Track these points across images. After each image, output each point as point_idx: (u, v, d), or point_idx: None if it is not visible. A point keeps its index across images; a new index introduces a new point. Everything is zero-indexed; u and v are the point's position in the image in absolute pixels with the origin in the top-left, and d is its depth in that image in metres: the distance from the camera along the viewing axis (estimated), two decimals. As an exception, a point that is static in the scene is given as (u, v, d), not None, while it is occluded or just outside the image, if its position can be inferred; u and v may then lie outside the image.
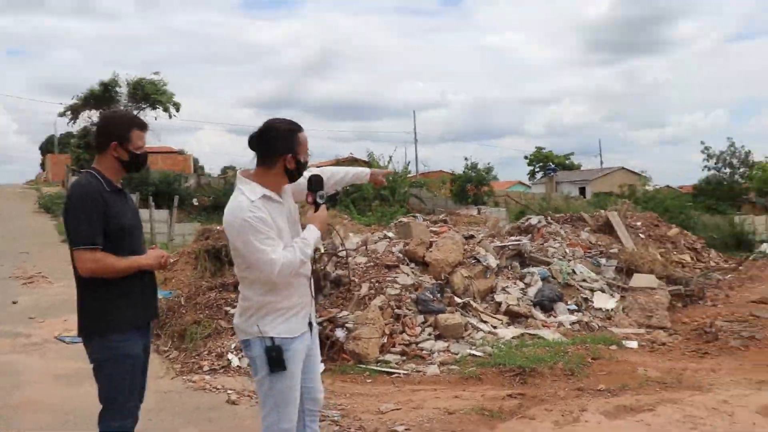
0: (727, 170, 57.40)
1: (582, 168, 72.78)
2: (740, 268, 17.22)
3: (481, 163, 44.92)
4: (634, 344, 10.96)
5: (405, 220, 15.25)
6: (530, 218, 16.52)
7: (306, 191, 4.19)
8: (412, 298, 11.58)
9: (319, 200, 4.13)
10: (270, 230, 3.75)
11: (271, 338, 3.94)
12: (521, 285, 12.95)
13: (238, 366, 9.67)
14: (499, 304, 12.20)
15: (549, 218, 16.52)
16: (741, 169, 57.70)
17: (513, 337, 11.10)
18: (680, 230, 19.16)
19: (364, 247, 13.26)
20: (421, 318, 11.24)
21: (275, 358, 3.92)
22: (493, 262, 12.88)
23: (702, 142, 60.22)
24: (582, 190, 58.78)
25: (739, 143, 60.77)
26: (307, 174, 4.23)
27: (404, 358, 10.29)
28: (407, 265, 12.65)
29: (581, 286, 13.12)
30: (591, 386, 8.66)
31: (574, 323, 12.13)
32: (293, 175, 4.02)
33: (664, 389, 8.42)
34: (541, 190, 58.78)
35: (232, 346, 10.25)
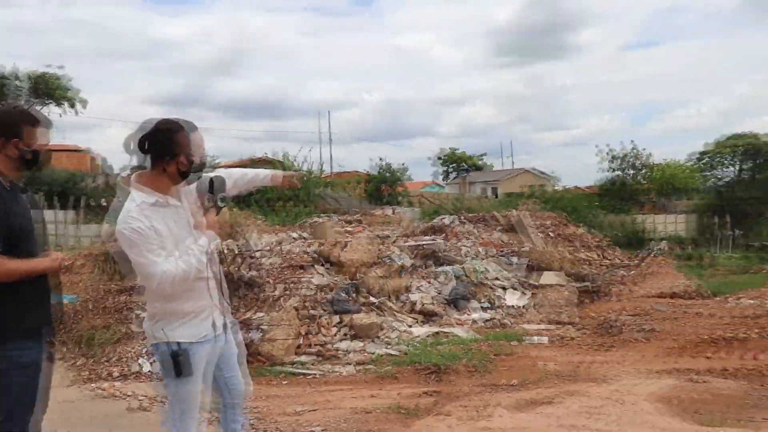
0: (630, 172, 59.97)
1: (494, 169, 74.60)
2: (641, 264, 17.99)
3: (396, 164, 45.31)
4: (544, 340, 11.32)
5: (319, 220, 15.23)
6: (443, 218, 16.82)
7: (206, 193, 4.06)
8: (326, 299, 11.58)
9: (219, 203, 4.02)
10: (160, 239, 3.63)
11: (177, 342, 3.86)
12: (435, 284, 13.16)
13: (149, 371, 9.41)
14: (414, 303, 12.36)
15: (462, 218, 16.86)
16: (642, 171, 60.40)
17: (428, 336, 11.27)
18: (586, 229, 19.83)
19: (278, 248, 13.15)
20: (336, 318, 11.25)
21: (180, 363, 3.84)
22: (407, 261, 13.04)
23: (607, 144, 62.77)
24: (494, 191, 60.06)
25: (639, 146, 63.80)
26: (211, 175, 4.16)
27: (320, 358, 10.28)
28: (322, 265, 12.64)
29: (493, 284, 13.45)
30: (504, 382, 8.90)
31: (486, 321, 12.43)
32: (188, 177, 3.89)
33: (563, 381, 8.76)
34: (455, 190, 59.65)
35: (144, 351, 9.97)
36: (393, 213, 32.92)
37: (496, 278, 13.69)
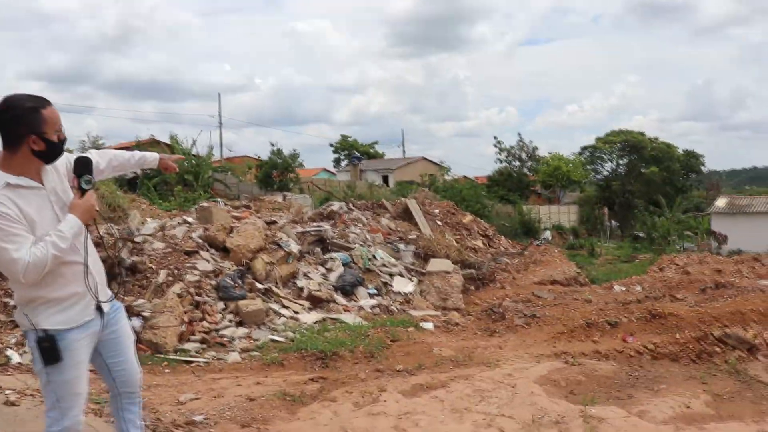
0: (517, 163, 62.31)
1: (385, 157, 75.32)
2: (525, 252, 18.74)
3: (288, 150, 44.94)
4: (430, 326, 11.57)
5: (206, 204, 14.88)
6: (332, 205, 16.83)
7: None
8: (212, 285, 11.37)
9: (84, 185, 3.77)
10: (14, 225, 3.41)
11: (44, 330, 3.69)
12: (323, 270, 13.18)
13: (18, 363, 8.92)
14: (301, 289, 12.33)
15: (351, 205, 16.94)
16: (529, 163, 62.86)
17: (315, 322, 11.28)
18: (474, 218, 20.42)
19: (161, 233, 12.77)
20: (221, 305, 11.07)
21: (48, 349, 3.68)
22: (294, 247, 12.97)
23: (495, 137, 64.71)
24: (385, 179, 60.62)
25: (527, 139, 66.26)
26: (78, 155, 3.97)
27: (204, 346, 10.09)
28: (207, 251, 12.38)
29: (381, 271, 13.60)
30: (390, 367, 9.03)
31: (374, 307, 12.56)
32: (47, 157, 3.63)
33: (457, 366, 8.99)
34: (347, 177, 59.79)
35: (12, 341, 9.45)
36: (284, 199, 32.68)
37: (384, 265, 13.85)
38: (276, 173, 43.73)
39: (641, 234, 47.77)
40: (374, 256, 14.05)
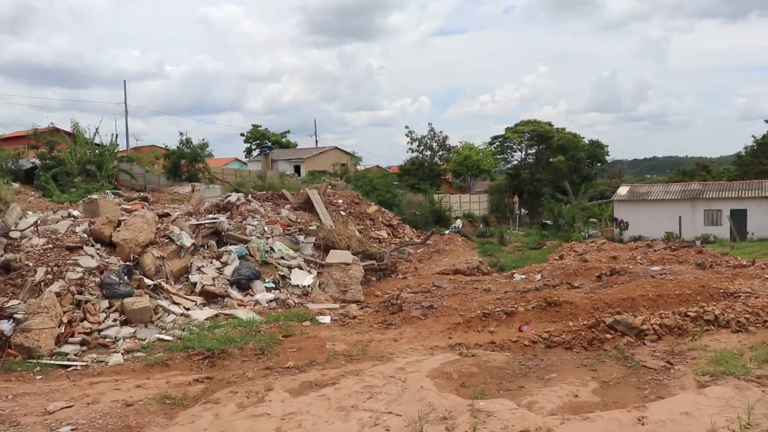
0: (428, 153, 62.67)
1: (298, 147, 74.33)
2: (428, 242, 18.74)
3: (198, 139, 43.54)
4: (327, 319, 11.30)
5: (94, 196, 14.09)
6: (230, 196, 16.29)
7: None
8: (96, 282, 10.73)
9: None
10: None
11: None
12: (218, 264, 12.71)
13: None
14: (194, 284, 11.84)
15: (250, 196, 16.45)
16: (440, 152, 63.34)
17: (207, 319, 10.83)
18: (379, 208, 20.27)
19: (35, 227, 11.97)
20: (105, 303, 10.47)
21: None
22: (187, 241, 12.44)
23: (406, 126, 64.81)
24: (297, 168, 59.77)
25: (438, 129, 66.76)
26: None
27: (85, 348, 9.50)
28: (92, 246, 11.69)
29: (279, 264, 13.25)
30: (280, 364, 8.73)
31: (271, 301, 12.21)
32: None
33: (350, 362, 8.76)
34: (258, 167, 58.64)
35: None
36: (193, 190, 31.77)
37: (282, 257, 13.50)
38: (185, 163, 42.39)
39: (549, 221, 48.75)
40: (272, 249, 13.67)
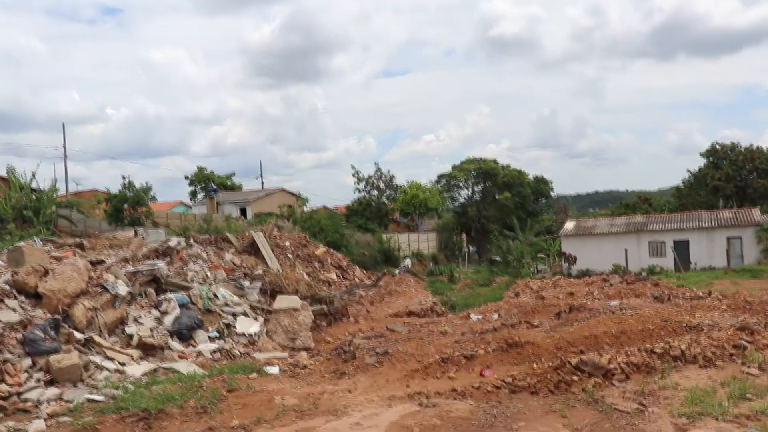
0: (376, 192, 62.33)
1: (244, 189, 73.27)
2: (380, 283, 18.14)
3: (141, 183, 42.30)
4: (275, 370, 10.52)
5: (19, 244, 13.06)
6: (169, 240, 15.40)
7: None
8: (18, 339, 9.73)
9: None
10: None
11: None
12: (157, 313, 11.80)
13: None
14: (131, 336, 10.90)
15: (192, 240, 15.60)
16: (387, 192, 63.08)
17: (144, 374, 9.92)
18: (327, 249, 19.66)
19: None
20: (28, 362, 9.46)
21: None
22: (123, 289, 11.53)
23: (352, 166, 64.41)
24: (243, 211, 58.76)
25: (384, 168, 66.57)
26: None
27: (1, 415, 8.47)
28: (15, 298, 10.68)
29: (223, 311, 12.43)
30: (224, 423, 7.91)
31: (215, 351, 11.38)
32: None
33: (301, 418, 8.01)
34: (203, 211, 57.44)
35: None
36: (136, 235, 30.65)
37: (226, 304, 12.69)
38: (127, 208, 41.10)
39: (497, 258, 48.79)
40: (215, 295, 12.84)
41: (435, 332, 12.52)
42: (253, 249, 15.91)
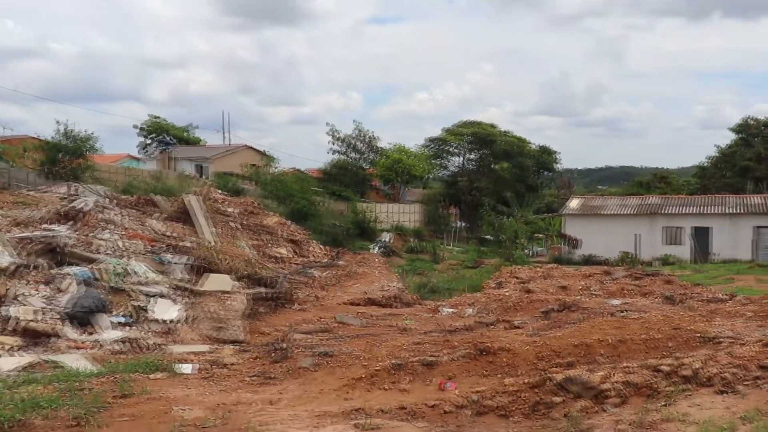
0: (354, 155, 61.11)
1: (205, 144, 71.73)
2: (340, 262, 17.26)
3: (85, 130, 40.71)
4: (189, 368, 9.54)
5: None
6: (75, 198, 14.27)
7: None
8: None
9: None
10: None
11: None
12: (48, 291, 10.72)
13: None
14: (8, 320, 9.82)
15: (109, 200, 14.52)
16: (367, 155, 61.87)
17: (15, 369, 8.86)
18: (281, 219, 18.74)
19: None
20: None
21: None
22: (6, 260, 10.42)
23: (328, 123, 63.00)
24: (201, 169, 57.50)
25: (368, 128, 65.17)
26: None
27: None
28: None
29: (138, 291, 11.42)
30: (104, 440, 6.90)
31: (120, 341, 10.34)
32: None
33: (204, 438, 7.01)
34: (154, 166, 56.17)
35: None
36: (72, 190, 29.47)
37: (142, 283, 11.68)
38: (64, 158, 39.62)
39: (489, 236, 47.99)
40: (129, 271, 11.79)
41: (395, 327, 11.64)
42: (185, 215, 14.83)
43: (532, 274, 17.22)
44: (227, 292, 11.91)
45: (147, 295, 11.62)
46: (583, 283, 15.29)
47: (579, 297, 13.52)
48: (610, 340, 9.60)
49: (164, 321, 11.23)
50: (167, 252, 13.02)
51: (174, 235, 13.85)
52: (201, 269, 12.91)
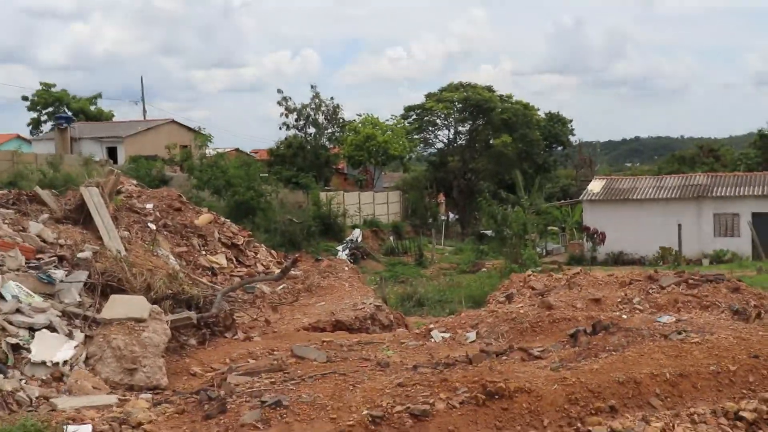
0: (313, 130, 60.77)
1: (115, 119, 71.35)
2: (297, 272, 16.87)
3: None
4: (86, 431, 8.92)
5: None
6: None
7: None
8: None
9: None
10: None
11: None
12: None
13: None
14: None
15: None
16: (329, 130, 61.59)
17: None
18: (214, 217, 18.31)
19: None
20: None
21: None
22: None
23: (279, 90, 62.46)
24: (112, 152, 57.20)
25: (330, 95, 64.64)
26: None
27: None
28: None
29: (11, 323, 10.92)
30: None
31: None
32: None
33: None
34: (50, 149, 55.76)
35: None
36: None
37: (20, 310, 11.20)
38: None
39: (488, 231, 48.07)
40: (-1, 295, 11.32)
41: (370, 362, 11.22)
42: (84, 216, 14.32)
43: (550, 284, 16.80)
44: (141, 320, 11.39)
45: (27, 327, 11.10)
46: (620, 294, 14.96)
47: (617, 313, 13.20)
48: (667, 375, 9.27)
49: (51, 363, 10.72)
50: (57, 267, 12.49)
51: (68, 243, 13.37)
52: (107, 289, 12.38)
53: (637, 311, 13.69)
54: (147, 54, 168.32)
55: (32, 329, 11.14)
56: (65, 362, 10.81)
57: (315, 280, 16.68)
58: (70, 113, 65.50)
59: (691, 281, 15.16)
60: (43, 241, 13.34)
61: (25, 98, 70.36)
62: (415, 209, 58.59)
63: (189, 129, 63.68)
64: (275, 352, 12.08)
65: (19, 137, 66.12)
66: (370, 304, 15.48)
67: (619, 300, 14.64)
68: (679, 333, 10.92)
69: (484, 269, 39.79)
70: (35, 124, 70.28)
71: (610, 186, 44.04)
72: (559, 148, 70.26)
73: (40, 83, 71.94)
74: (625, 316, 12.84)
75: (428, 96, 64.64)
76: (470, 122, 64.03)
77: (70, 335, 11.32)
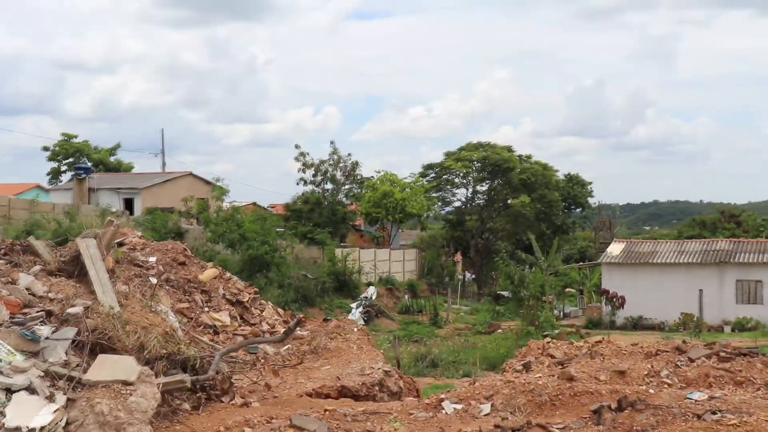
0: (330, 186, 60.38)
1: (135, 171, 71.19)
2: (304, 333, 16.05)
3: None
4: None
5: None
6: None
7: None
8: None
9: None
10: None
11: None
12: None
13: None
14: None
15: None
16: (347, 186, 61.20)
17: None
18: (220, 272, 17.52)
19: None
20: None
21: None
22: None
23: (297, 146, 62.05)
24: (129, 203, 56.92)
25: (346, 151, 64.33)
26: None
27: None
28: None
29: (-11, 384, 10.05)
30: None
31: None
32: None
33: None
34: (68, 199, 55.52)
35: None
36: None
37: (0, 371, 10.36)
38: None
39: (505, 292, 47.39)
40: (-23, 353, 10.49)
41: None
42: (77, 267, 13.55)
43: (571, 352, 15.90)
44: (129, 383, 10.52)
45: (4, 389, 10.26)
46: (647, 366, 14.02)
47: (644, 387, 12.26)
48: (704, 462, 8.32)
49: (27, 429, 9.81)
50: (44, 322, 11.69)
51: (59, 297, 12.63)
52: (96, 347, 11.53)
53: (666, 386, 12.75)
54: (171, 106, 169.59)
55: (10, 390, 10.35)
56: (42, 428, 9.98)
57: (322, 341, 15.84)
58: (89, 164, 65.48)
59: (722, 354, 14.23)
60: (33, 294, 12.58)
61: (46, 148, 70.57)
62: (431, 268, 57.92)
63: (207, 182, 63.34)
64: (273, 421, 11.18)
65: (39, 187, 66.07)
66: (379, 369, 14.62)
67: (646, 372, 13.71)
68: (714, 413, 9.96)
69: (500, 330, 39.10)
70: (55, 174, 70.34)
71: (630, 249, 43.29)
72: (578, 210, 69.84)
73: (62, 134, 72.11)
74: (652, 391, 11.85)
75: (447, 155, 64.30)
76: (489, 182, 63.66)
77: (50, 398, 10.44)
